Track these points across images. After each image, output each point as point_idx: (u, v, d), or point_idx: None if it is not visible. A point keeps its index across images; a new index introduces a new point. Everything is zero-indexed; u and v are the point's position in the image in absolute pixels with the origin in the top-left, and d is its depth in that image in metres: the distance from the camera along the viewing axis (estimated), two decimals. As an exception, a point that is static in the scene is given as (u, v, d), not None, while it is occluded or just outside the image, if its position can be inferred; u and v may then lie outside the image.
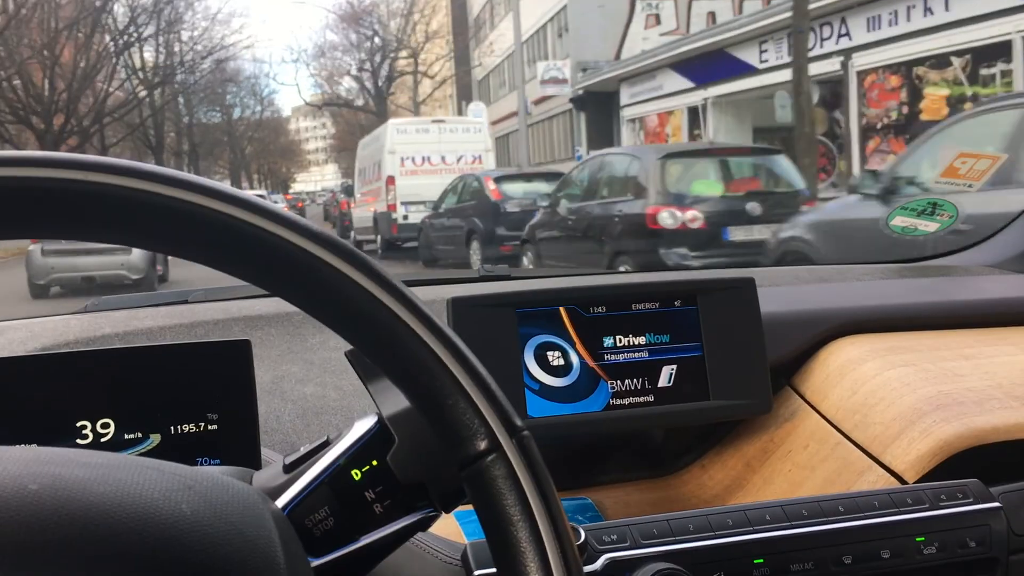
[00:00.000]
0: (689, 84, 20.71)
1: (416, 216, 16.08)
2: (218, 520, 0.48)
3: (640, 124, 23.81)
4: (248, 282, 0.51)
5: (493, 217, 12.51)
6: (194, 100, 46.14)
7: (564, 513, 0.54)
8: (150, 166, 0.48)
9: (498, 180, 13.26)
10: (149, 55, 37.90)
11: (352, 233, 20.34)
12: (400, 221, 16.70)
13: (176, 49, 38.38)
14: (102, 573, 0.43)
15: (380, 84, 41.61)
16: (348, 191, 25.50)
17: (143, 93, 36.39)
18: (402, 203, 16.77)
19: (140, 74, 36.99)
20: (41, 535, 0.43)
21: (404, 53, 41.58)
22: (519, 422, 0.53)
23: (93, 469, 0.47)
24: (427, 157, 17.38)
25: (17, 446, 0.49)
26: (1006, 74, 12.57)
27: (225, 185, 0.49)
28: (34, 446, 0.73)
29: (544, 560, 0.52)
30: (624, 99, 24.33)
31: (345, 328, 0.52)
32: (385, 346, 0.52)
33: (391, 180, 17.12)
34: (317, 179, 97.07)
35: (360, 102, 47.48)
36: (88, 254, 11.31)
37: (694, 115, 20.74)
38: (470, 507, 0.59)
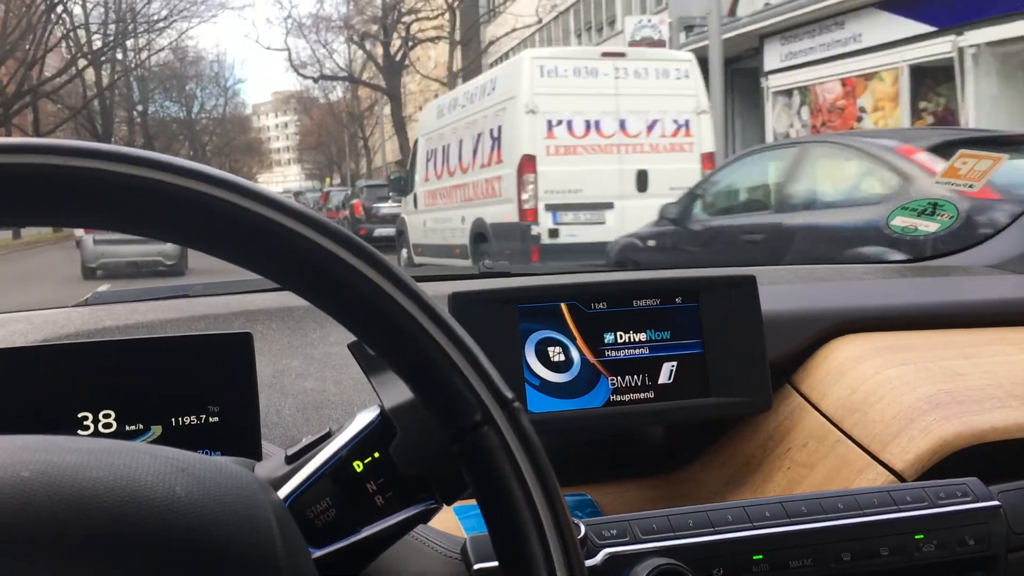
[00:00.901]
0: (921, 28, 12.73)
1: (577, 232, 9.13)
2: (213, 502, 0.48)
3: (804, 97, 15.70)
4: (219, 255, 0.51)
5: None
6: (150, 84, 41.56)
7: (556, 482, 0.54)
8: (152, 154, 0.48)
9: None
10: (94, 17, 32.44)
11: (405, 252, 13.15)
12: (545, 240, 8.98)
13: (124, 5, 32.60)
14: (95, 557, 0.43)
15: (394, 53, 33.13)
16: (364, 192, 21.65)
17: (83, 64, 31.33)
18: (547, 207, 9.09)
19: (78, 36, 31.15)
20: (34, 522, 0.43)
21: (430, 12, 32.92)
22: (510, 394, 0.54)
23: (85, 455, 0.47)
24: (594, 123, 9.39)
25: (8, 435, 0.49)
26: None
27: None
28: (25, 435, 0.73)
29: (539, 527, 0.53)
30: (772, 62, 16.09)
31: (330, 304, 0.52)
32: (374, 322, 0.52)
33: (529, 163, 9.16)
34: (280, 180, 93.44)
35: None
36: (130, 243, 12.77)
37: (924, 78, 13.18)
38: (470, 502, 0.60)
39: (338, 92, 51.88)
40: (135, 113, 42.51)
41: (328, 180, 63.98)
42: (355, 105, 47.82)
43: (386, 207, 19.42)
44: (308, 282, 0.51)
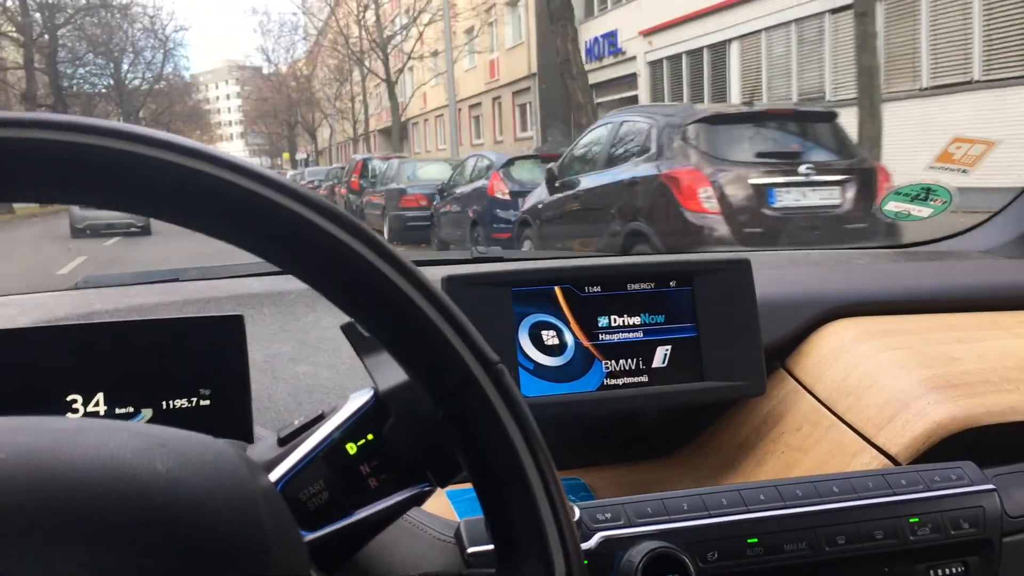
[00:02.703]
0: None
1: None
2: (194, 476, 0.47)
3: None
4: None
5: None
6: (59, 19, 31.25)
7: (542, 440, 0.54)
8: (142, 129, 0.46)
9: None
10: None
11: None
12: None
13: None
14: (75, 537, 0.43)
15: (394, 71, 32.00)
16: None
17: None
18: None
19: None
20: (11, 503, 0.42)
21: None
22: (493, 356, 0.53)
23: (61, 434, 0.47)
24: None
25: None
26: None
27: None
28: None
29: (525, 485, 0.53)
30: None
31: (304, 269, 0.51)
32: (352, 287, 0.51)
33: None
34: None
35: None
36: None
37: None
38: (463, 486, 0.59)
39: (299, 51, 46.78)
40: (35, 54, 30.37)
41: (287, 156, 58.95)
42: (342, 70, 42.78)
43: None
44: (283, 249, 0.50)
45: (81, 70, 36.61)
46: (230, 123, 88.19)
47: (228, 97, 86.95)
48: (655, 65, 21.10)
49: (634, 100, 20.75)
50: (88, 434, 0.47)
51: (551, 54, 18.56)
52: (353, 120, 44.47)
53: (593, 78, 20.13)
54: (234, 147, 77.97)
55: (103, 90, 39.10)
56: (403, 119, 37.08)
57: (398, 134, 34.88)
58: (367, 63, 37.22)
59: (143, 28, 39.00)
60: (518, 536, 0.54)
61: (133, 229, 15.41)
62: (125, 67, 39.64)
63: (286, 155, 60.06)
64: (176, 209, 0.48)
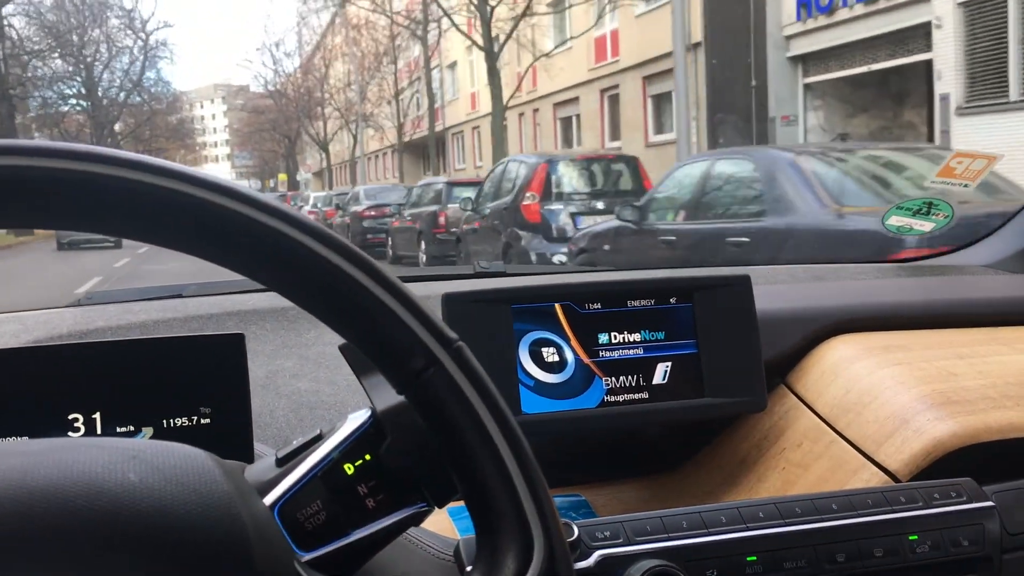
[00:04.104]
0: None
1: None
2: (169, 483, 0.47)
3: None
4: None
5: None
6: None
7: (510, 413, 0.55)
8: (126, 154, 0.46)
9: None
10: None
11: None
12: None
13: None
14: (54, 551, 0.43)
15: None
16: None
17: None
18: None
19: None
20: None
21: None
22: (452, 335, 0.54)
23: (32, 456, 0.47)
24: None
25: None
26: None
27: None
28: None
29: (497, 459, 0.53)
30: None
31: (261, 270, 0.52)
32: (307, 282, 0.52)
33: None
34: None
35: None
36: None
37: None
38: (463, 503, 0.59)
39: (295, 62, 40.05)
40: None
41: (282, 177, 53.62)
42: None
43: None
44: (229, 250, 0.51)
45: (41, 68, 29.36)
46: (216, 144, 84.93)
47: (214, 117, 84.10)
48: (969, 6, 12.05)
49: (916, 69, 12.99)
50: (59, 452, 0.47)
51: (726, 15, 13.74)
52: (399, 120, 33.85)
53: (800, 46, 13.70)
54: (220, 168, 74.92)
55: (71, 99, 32.17)
56: (441, 128, 30.80)
57: (434, 147, 28.98)
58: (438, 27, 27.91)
59: (120, 22, 32.66)
60: (495, 510, 0.54)
61: (106, 244, 18.90)
62: (98, 68, 32.98)
63: (282, 176, 55.74)
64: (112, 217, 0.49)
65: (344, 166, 46.14)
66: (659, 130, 20.54)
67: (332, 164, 44.70)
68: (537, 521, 0.54)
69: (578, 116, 24.51)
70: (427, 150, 29.97)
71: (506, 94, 22.79)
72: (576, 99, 24.22)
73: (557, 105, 25.49)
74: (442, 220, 14.11)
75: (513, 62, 25.26)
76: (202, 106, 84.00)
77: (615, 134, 22.53)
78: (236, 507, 0.48)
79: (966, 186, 1.89)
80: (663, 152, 17.76)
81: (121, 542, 0.44)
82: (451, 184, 15.27)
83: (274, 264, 0.51)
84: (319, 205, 26.67)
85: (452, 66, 32.34)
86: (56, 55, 30.44)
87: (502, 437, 0.54)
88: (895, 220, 1.87)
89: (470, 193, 13.02)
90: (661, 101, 20.16)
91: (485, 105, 25.49)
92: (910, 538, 0.91)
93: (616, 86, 22.17)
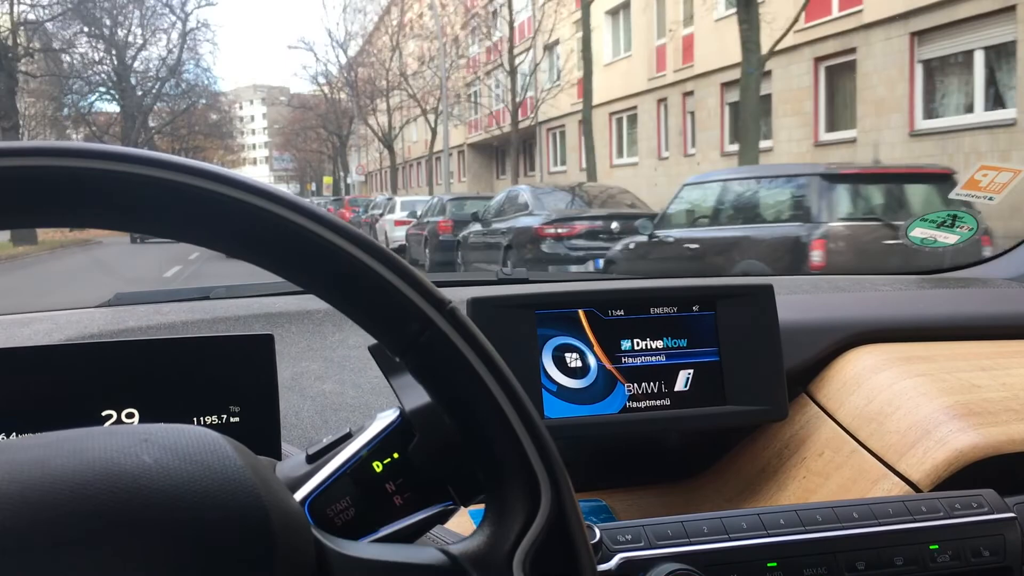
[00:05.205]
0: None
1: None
2: (184, 462, 0.48)
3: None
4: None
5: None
6: None
7: (508, 370, 0.56)
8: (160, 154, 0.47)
9: None
10: None
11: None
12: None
13: None
14: (75, 542, 0.44)
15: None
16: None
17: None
18: None
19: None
20: (9, 520, 0.43)
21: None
22: (444, 297, 0.55)
23: (47, 447, 0.48)
24: None
25: None
26: None
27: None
28: None
29: (497, 410, 0.54)
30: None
31: (247, 248, 0.53)
32: (299, 257, 0.53)
33: None
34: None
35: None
36: None
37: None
38: (483, 507, 0.60)
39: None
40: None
41: (327, 180, 50.62)
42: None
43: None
44: (219, 232, 0.52)
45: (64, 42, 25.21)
46: (254, 146, 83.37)
47: (252, 118, 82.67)
48: None
49: None
50: (72, 442, 0.49)
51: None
52: (513, 103, 23.45)
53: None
54: (258, 172, 72.66)
55: (99, 88, 28.97)
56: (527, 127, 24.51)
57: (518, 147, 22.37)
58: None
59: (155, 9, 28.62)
60: (500, 462, 0.55)
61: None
62: (130, 53, 29.24)
63: (327, 179, 53.42)
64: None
65: (410, 165, 40.94)
66: (735, 138, 15.55)
67: (395, 163, 37.88)
68: (542, 467, 0.55)
69: (636, 127, 19.36)
70: (500, 150, 24.36)
71: (638, 73, 18.05)
72: (633, 107, 19.38)
73: (612, 115, 20.20)
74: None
75: (647, 32, 19.13)
76: (241, 107, 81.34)
77: (675, 143, 18.28)
78: (251, 482, 0.49)
79: (991, 199, 1.88)
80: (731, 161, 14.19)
81: (140, 523, 0.45)
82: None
83: (261, 242, 0.52)
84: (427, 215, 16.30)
85: (551, 47, 24.43)
86: (83, 33, 27.23)
87: (500, 390, 0.55)
88: (919, 232, 1.87)
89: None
90: (738, 109, 13.93)
91: (602, 92, 19.31)
92: (931, 548, 0.91)
93: (692, 93, 17.50)
